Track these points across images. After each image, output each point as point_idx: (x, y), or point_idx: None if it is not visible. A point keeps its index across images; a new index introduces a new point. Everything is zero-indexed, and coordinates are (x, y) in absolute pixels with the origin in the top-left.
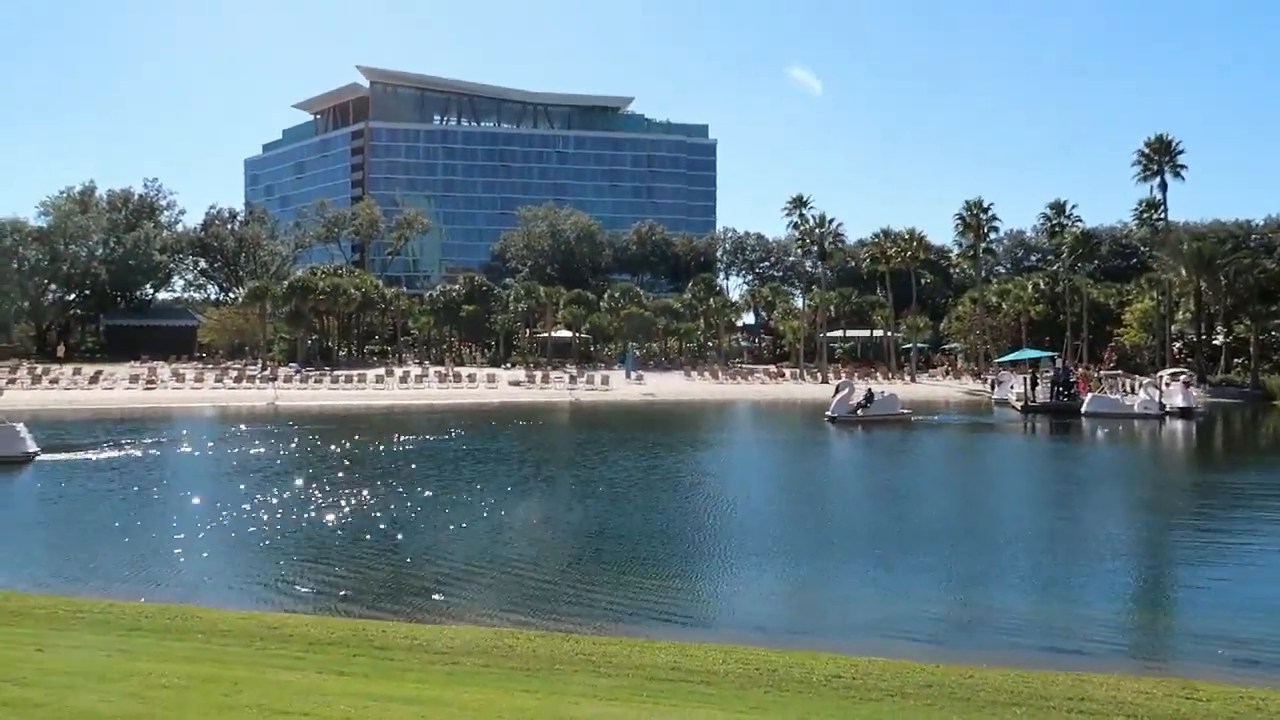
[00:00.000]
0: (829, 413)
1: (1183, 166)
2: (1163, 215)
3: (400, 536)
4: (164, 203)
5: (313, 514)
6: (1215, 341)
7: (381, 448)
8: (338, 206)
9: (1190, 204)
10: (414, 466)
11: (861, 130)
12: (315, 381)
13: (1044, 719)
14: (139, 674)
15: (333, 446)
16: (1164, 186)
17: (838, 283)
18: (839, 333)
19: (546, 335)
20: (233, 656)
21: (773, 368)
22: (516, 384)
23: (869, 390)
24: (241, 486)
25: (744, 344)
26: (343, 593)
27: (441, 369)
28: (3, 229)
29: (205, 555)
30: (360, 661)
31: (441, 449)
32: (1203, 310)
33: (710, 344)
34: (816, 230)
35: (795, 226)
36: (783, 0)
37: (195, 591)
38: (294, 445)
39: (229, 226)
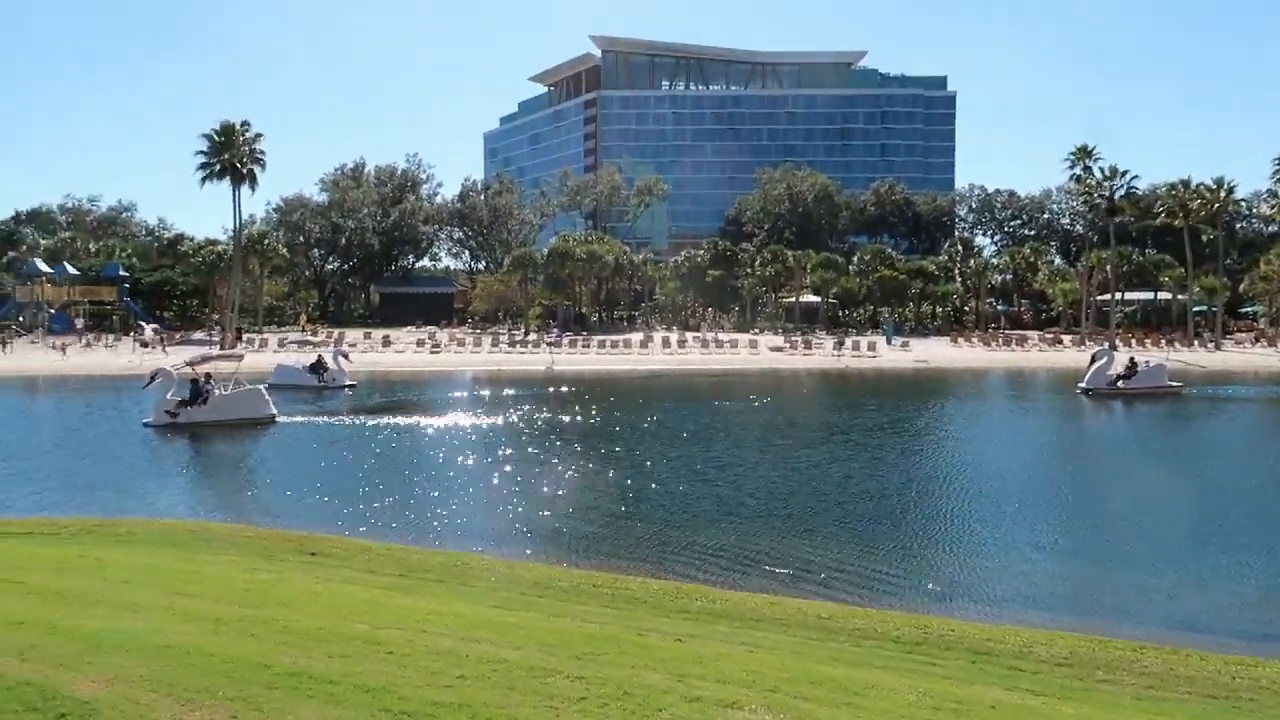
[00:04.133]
0: (1082, 384)
1: None
2: None
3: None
4: (424, 176)
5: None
6: None
7: (729, 415)
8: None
9: None
10: (799, 435)
11: (1105, 78)
12: (583, 346)
13: None
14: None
15: (684, 411)
16: None
17: (1099, 241)
18: (1113, 295)
19: (794, 300)
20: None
21: (1048, 333)
22: (778, 350)
23: (1131, 359)
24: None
25: (1000, 308)
26: (822, 576)
27: (699, 334)
28: (292, 205)
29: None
30: (973, 668)
31: (807, 418)
32: None
33: (967, 308)
34: (1106, 183)
35: (1078, 180)
36: None
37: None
38: (659, 412)
39: (483, 198)
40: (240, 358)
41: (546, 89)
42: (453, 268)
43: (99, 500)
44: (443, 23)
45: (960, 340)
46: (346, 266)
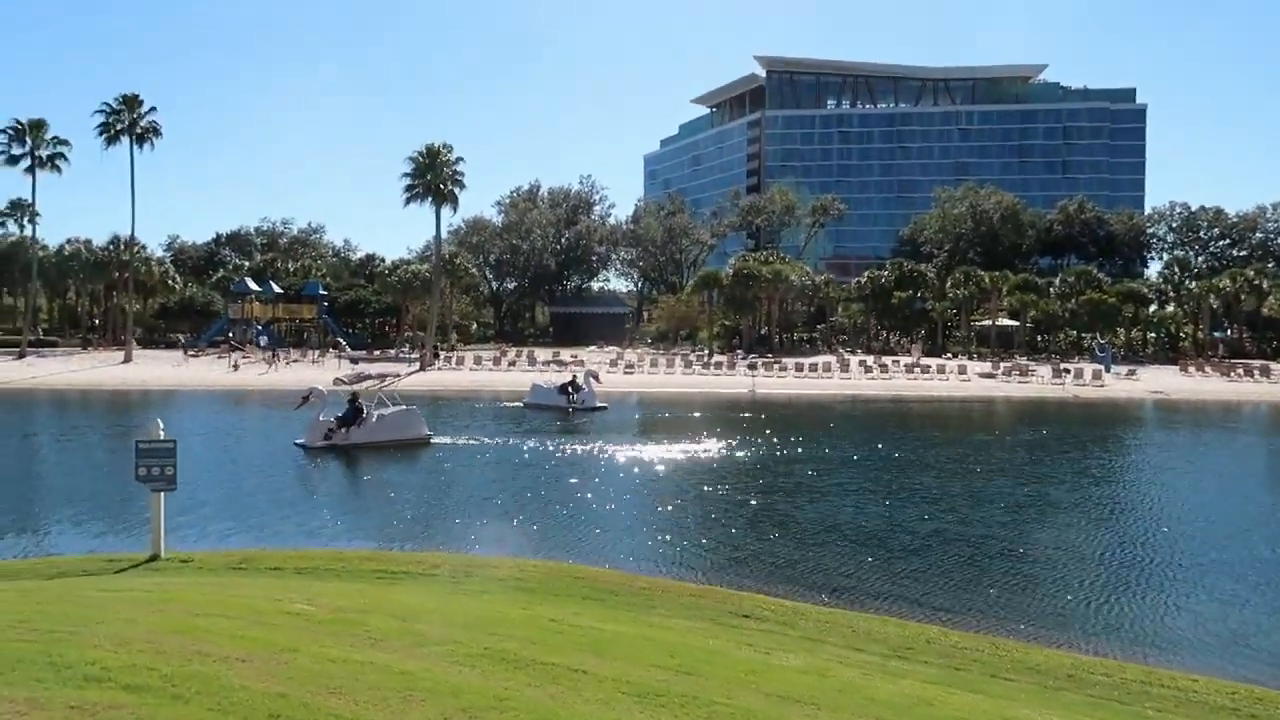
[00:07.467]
0: None
1: None
2: None
3: None
4: (596, 198)
5: None
6: None
7: (996, 448)
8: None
9: None
10: (1099, 474)
11: None
12: (779, 370)
13: None
14: None
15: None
16: None
17: None
18: None
19: (990, 323)
20: None
21: None
22: (988, 376)
23: None
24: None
25: (1216, 335)
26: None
27: (897, 358)
28: (473, 227)
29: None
30: None
31: (1086, 455)
32: None
33: (1183, 335)
34: None
35: None
36: None
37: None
38: (913, 442)
39: (657, 218)
40: (397, 377)
41: (709, 110)
42: (617, 288)
43: (361, 528)
44: (604, 46)
45: (1191, 369)
46: (522, 286)
